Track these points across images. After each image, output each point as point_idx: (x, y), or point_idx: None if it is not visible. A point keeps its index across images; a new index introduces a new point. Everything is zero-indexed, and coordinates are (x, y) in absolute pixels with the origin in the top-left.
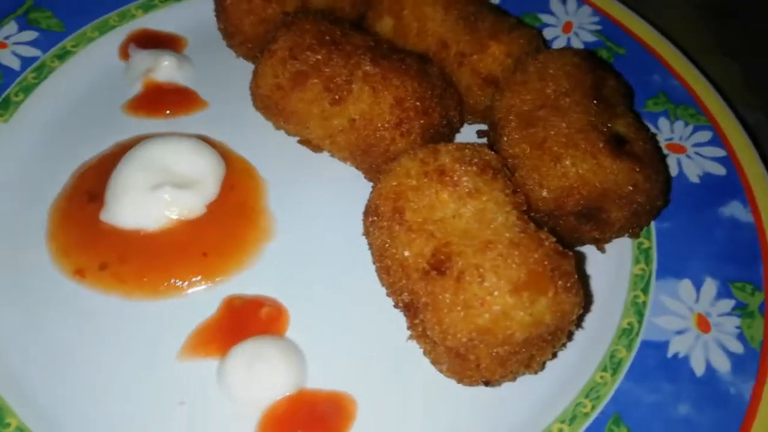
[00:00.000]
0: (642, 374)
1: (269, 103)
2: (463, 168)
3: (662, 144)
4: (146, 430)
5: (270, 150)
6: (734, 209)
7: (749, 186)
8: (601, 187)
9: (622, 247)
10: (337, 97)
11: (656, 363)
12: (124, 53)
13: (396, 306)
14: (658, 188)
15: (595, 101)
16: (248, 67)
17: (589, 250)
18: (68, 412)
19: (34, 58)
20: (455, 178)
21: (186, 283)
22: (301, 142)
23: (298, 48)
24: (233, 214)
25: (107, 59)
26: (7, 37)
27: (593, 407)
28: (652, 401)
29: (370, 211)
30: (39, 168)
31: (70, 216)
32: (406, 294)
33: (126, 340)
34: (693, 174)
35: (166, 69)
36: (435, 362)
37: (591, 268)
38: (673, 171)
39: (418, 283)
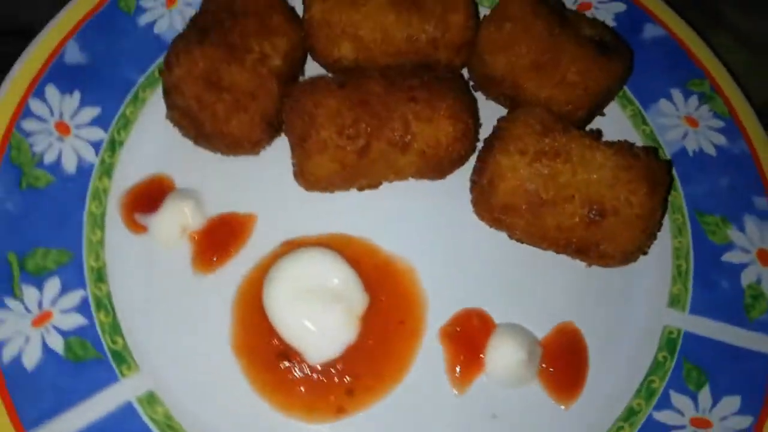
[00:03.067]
0: None
1: (333, 182)
2: (546, 141)
3: None
4: None
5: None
6: None
7: None
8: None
9: None
10: (404, 143)
11: None
12: (136, 226)
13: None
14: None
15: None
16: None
17: None
18: None
19: None
20: (554, 152)
21: None
22: (360, 188)
23: (337, 125)
24: None
25: None
26: None
27: None
28: None
29: (499, 209)
30: None
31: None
32: (574, 242)
33: None
34: None
35: (193, 214)
36: None
37: None
38: None
39: (584, 233)
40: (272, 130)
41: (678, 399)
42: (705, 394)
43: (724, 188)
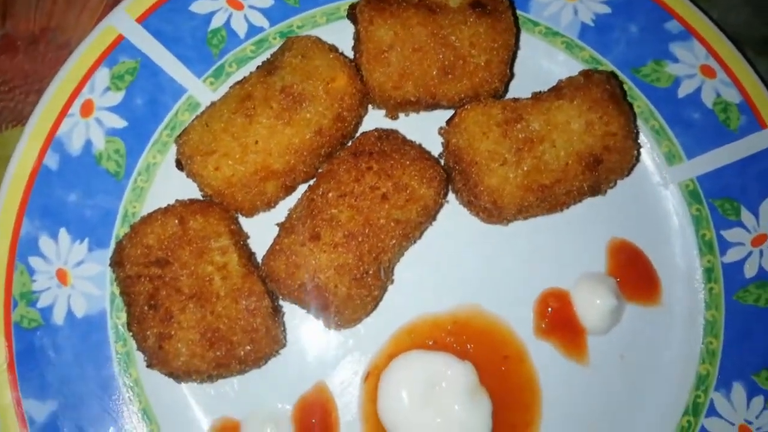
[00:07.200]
0: None
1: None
2: (511, 136)
3: None
4: None
5: None
6: None
7: None
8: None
9: None
10: (409, 235)
11: None
12: None
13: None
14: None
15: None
16: None
17: None
18: None
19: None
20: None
21: None
22: None
23: (349, 278)
24: None
25: None
26: None
27: None
28: None
29: (513, 215)
30: None
31: None
32: (585, 190)
33: None
34: None
35: (279, 426)
36: None
37: None
38: None
39: (590, 178)
40: (277, 314)
41: (731, 234)
42: (746, 215)
43: (638, 34)
